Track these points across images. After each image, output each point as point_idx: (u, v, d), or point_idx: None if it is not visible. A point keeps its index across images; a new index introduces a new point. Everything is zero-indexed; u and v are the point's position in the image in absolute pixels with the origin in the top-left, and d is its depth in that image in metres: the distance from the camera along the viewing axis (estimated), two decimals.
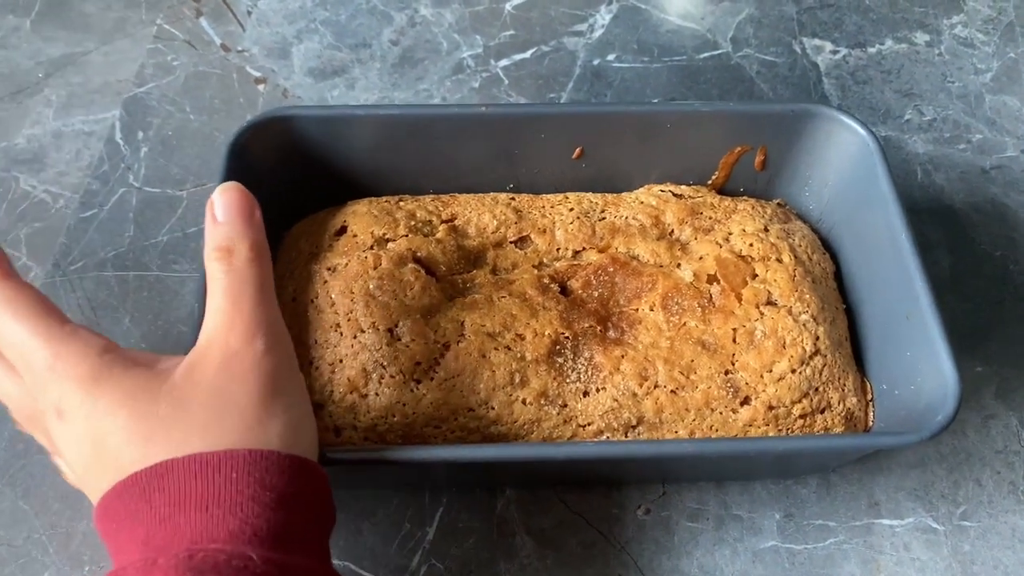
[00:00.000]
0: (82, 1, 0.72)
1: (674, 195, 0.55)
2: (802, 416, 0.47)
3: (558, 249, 0.53)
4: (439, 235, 0.52)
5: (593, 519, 0.49)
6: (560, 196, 0.55)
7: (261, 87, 0.67)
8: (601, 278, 0.50)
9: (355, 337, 0.47)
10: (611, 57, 0.69)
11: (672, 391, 0.47)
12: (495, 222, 0.53)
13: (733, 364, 0.47)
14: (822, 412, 0.48)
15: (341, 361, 0.46)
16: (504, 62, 0.69)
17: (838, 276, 0.54)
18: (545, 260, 0.52)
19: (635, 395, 0.46)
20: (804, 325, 0.48)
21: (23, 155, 0.62)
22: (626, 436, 0.46)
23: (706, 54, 0.70)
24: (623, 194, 0.55)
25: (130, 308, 0.54)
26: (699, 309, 0.49)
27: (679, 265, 0.52)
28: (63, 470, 0.41)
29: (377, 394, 0.46)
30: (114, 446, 0.34)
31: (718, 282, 0.50)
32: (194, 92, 0.66)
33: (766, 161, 0.55)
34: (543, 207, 0.54)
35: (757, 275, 0.50)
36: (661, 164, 0.55)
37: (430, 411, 0.45)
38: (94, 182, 0.61)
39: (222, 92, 0.66)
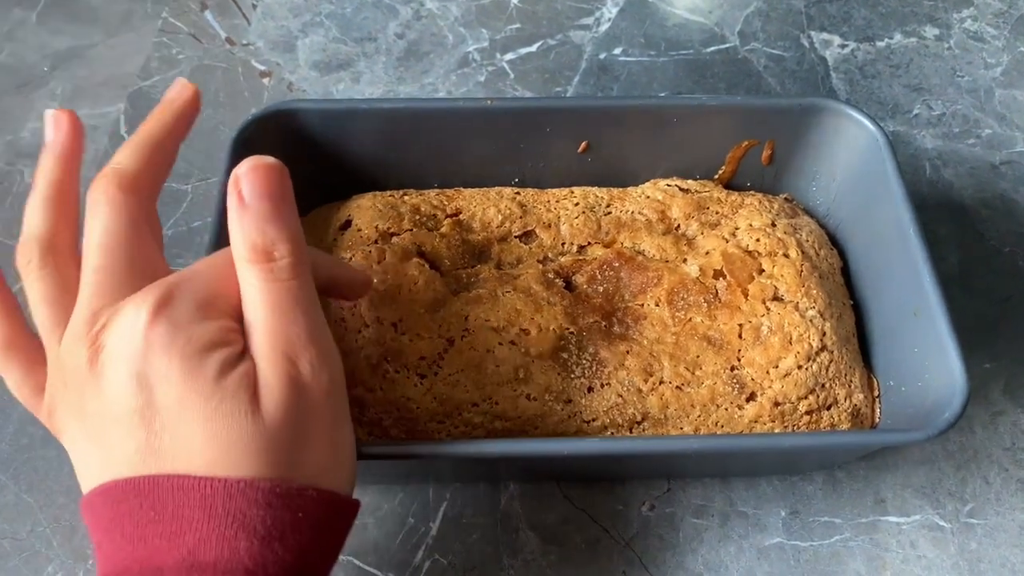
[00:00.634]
0: None
1: (680, 190, 0.54)
2: (808, 412, 0.47)
3: (563, 244, 0.52)
4: (443, 229, 0.51)
5: (597, 515, 0.49)
6: (565, 190, 0.54)
7: (266, 81, 0.67)
8: (606, 273, 0.50)
9: (359, 332, 0.46)
10: (618, 51, 0.69)
11: (677, 387, 0.46)
12: (500, 216, 0.53)
13: (739, 360, 0.47)
14: (828, 408, 0.47)
15: (345, 356, 0.46)
16: (510, 56, 0.69)
17: (845, 272, 0.53)
18: (550, 255, 0.52)
19: (640, 391, 0.46)
20: (811, 321, 0.48)
21: (28, 148, 0.62)
22: (631, 432, 0.46)
23: (713, 48, 0.70)
24: (629, 188, 0.55)
25: None
26: (705, 305, 0.48)
27: (685, 260, 0.51)
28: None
29: (382, 388, 0.45)
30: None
31: (724, 277, 0.50)
32: (199, 86, 0.65)
33: (773, 156, 0.55)
34: (548, 202, 0.54)
35: (764, 270, 0.50)
36: (667, 158, 0.55)
37: (434, 406, 0.45)
38: None
39: (227, 86, 0.66)
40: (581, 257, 0.51)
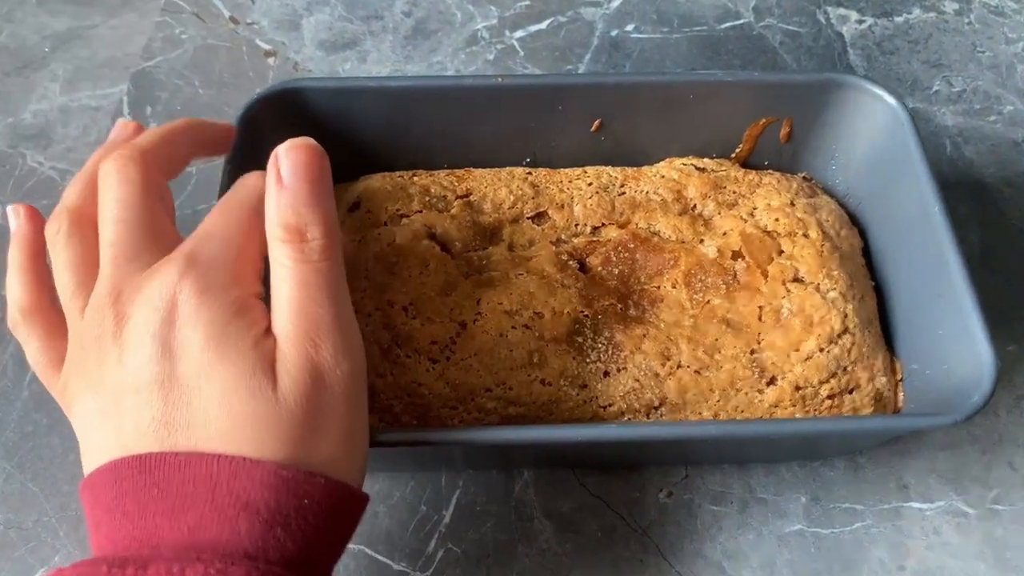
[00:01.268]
0: None
1: (697, 169, 0.53)
2: (830, 397, 0.46)
3: (576, 225, 0.51)
4: (454, 211, 0.50)
5: (613, 502, 0.48)
6: (578, 170, 0.53)
7: (271, 60, 0.65)
8: (621, 255, 0.49)
9: (369, 315, 0.45)
10: (630, 27, 0.68)
11: (696, 371, 0.45)
12: (511, 197, 0.51)
13: (759, 343, 0.46)
14: (850, 392, 0.46)
15: None
16: (519, 33, 0.67)
17: (866, 253, 0.52)
18: (563, 236, 0.51)
19: (657, 375, 0.45)
20: (832, 303, 0.47)
21: (29, 131, 0.61)
22: (648, 417, 0.45)
23: (728, 24, 0.68)
24: (644, 168, 0.53)
25: None
26: (723, 286, 0.47)
27: (702, 241, 0.50)
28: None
29: (392, 374, 0.44)
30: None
31: (743, 258, 0.48)
32: (203, 66, 0.64)
33: (791, 133, 0.53)
34: (561, 182, 0.52)
35: (783, 251, 0.49)
36: (683, 137, 0.53)
37: (447, 392, 0.44)
38: None
39: (231, 66, 0.65)
40: (595, 238, 0.50)
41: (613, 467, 0.49)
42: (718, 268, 0.48)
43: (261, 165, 0.41)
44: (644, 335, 0.46)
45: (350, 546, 0.45)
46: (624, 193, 0.52)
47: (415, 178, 0.52)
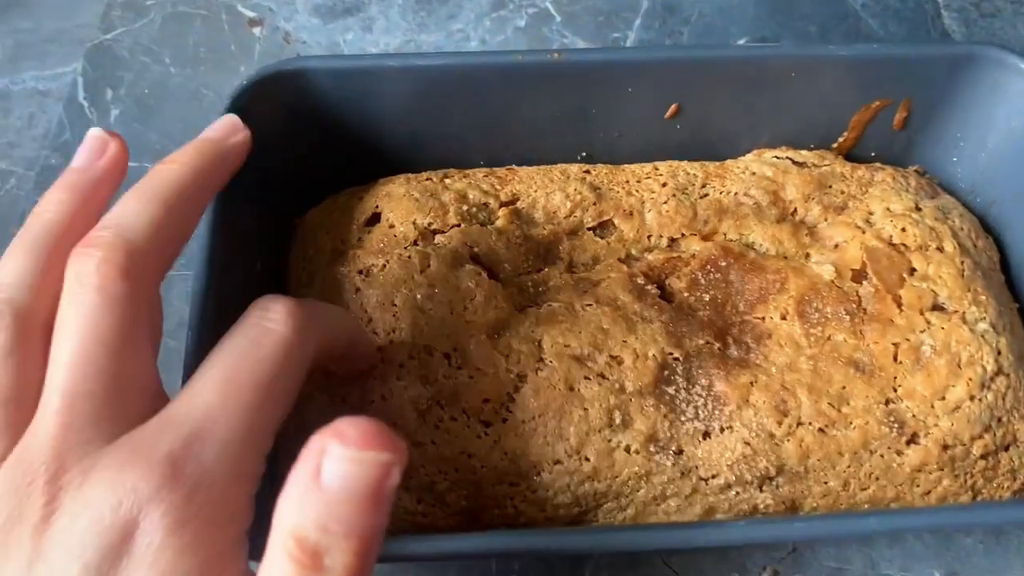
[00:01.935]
0: None
1: (794, 163, 0.43)
2: (983, 456, 0.36)
3: (650, 237, 0.41)
4: (499, 223, 0.40)
5: None
6: (648, 167, 0.43)
7: (257, 31, 0.54)
8: (712, 275, 0.39)
9: (401, 366, 0.35)
10: None
11: (820, 429, 0.35)
12: (568, 203, 0.41)
13: (895, 391, 0.36)
14: (1007, 449, 0.37)
15: (384, 399, 0.35)
16: None
17: (1003, 267, 0.42)
18: (633, 252, 0.41)
19: (772, 436, 0.35)
20: (982, 336, 0.37)
21: None
22: (761, 490, 0.35)
23: None
24: (728, 162, 0.43)
25: None
26: (847, 317, 0.37)
27: (807, 256, 0.40)
28: None
29: (434, 442, 0.34)
30: None
31: (867, 279, 0.38)
32: (174, 39, 0.53)
33: (908, 118, 0.43)
34: (627, 182, 0.42)
35: (915, 270, 0.39)
36: (774, 123, 0.43)
37: (504, 464, 0.34)
38: (52, 155, 0.49)
39: (209, 38, 0.54)
40: (675, 254, 0.40)
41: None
42: (837, 293, 0.38)
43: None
44: (752, 383, 0.36)
45: None
46: (707, 195, 0.42)
47: (447, 181, 0.41)
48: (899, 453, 0.36)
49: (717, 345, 0.37)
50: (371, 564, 0.23)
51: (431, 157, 0.43)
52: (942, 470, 0.36)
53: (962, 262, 0.39)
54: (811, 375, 0.36)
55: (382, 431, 0.23)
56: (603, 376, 0.35)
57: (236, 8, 0.55)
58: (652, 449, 0.35)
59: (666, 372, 0.36)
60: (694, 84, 0.41)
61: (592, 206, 0.41)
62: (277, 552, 0.23)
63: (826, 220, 0.41)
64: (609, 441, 0.35)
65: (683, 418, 0.35)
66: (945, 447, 0.36)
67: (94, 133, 0.30)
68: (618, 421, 0.35)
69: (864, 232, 0.40)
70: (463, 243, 0.38)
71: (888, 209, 0.41)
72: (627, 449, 0.35)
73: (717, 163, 0.43)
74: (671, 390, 0.36)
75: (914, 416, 0.36)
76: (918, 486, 0.36)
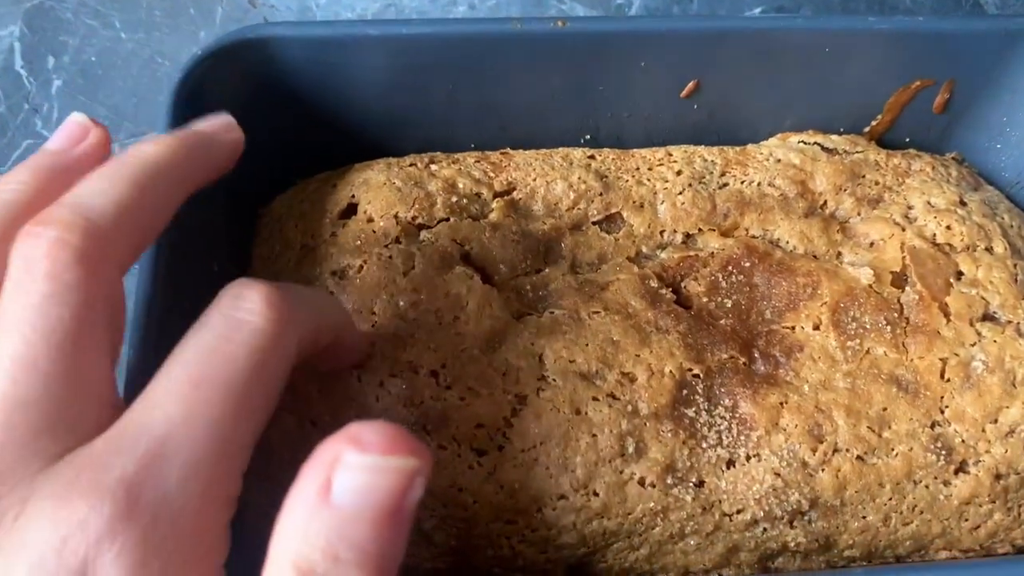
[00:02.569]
0: None
1: (823, 149, 0.38)
2: None
3: (663, 232, 0.36)
4: (493, 216, 0.35)
5: None
6: (660, 152, 0.38)
7: None
8: (734, 278, 0.34)
9: (381, 385, 0.30)
10: None
11: (859, 456, 0.31)
12: (572, 194, 0.36)
13: (942, 412, 0.32)
14: None
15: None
16: None
17: None
18: (645, 249, 0.36)
19: (806, 465, 0.31)
20: None
21: None
22: (792, 526, 0.31)
23: None
24: (749, 148, 0.39)
25: None
26: (888, 328, 0.33)
27: (839, 255, 0.36)
28: None
29: None
30: None
31: (910, 284, 0.34)
32: (126, 0, 0.47)
33: (950, 101, 0.39)
34: (637, 169, 0.37)
35: (963, 274, 0.35)
36: (801, 103, 0.39)
37: (500, 499, 0.30)
38: None
39: (165, 0, 0.48)
40: (691, 252, 0.35)
41: None
42: (877, 300, 0.34)
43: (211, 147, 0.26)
44: (782, 403, 0.32)
45: None
46: (727, 185, 0.37)
47: (434, 167, 0.36)
48: (946, 484, 0.32)
49: (742, 359, 0.32)
50: None
51: (415, 139, 0.38)
52: (994, 503, 0.32)
53: (1015, 264, 0.35)
54: (848, 394, 0.32)
55: (405, 433, 0.20)
56: (613, 396, 0.31)
57: None
58: (669, 481, 0.30)
59: (685, 391, 0.31)
60: (715, 59, 0.36)
61: (598, 197, 0.36)
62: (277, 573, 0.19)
63: (859, 215, 0.37)
64: (621, 472, 0.30)
65: (704, 445, 0.31)
66: (998, 476, 0.32)
67: (76, 118, 0.27)
68: (631, 449, 0.30)
69: (904, 229, 0.36)
70: (452, 240, 0.33)
71: (929, 203, 0.37)
72: (641, 482, 0.30)
73: (737, 148, 0.38)
74: (691, 412, 0.31)
75: (963, 441, 0.32)
76: (966, 520, 0.32)
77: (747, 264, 0.35)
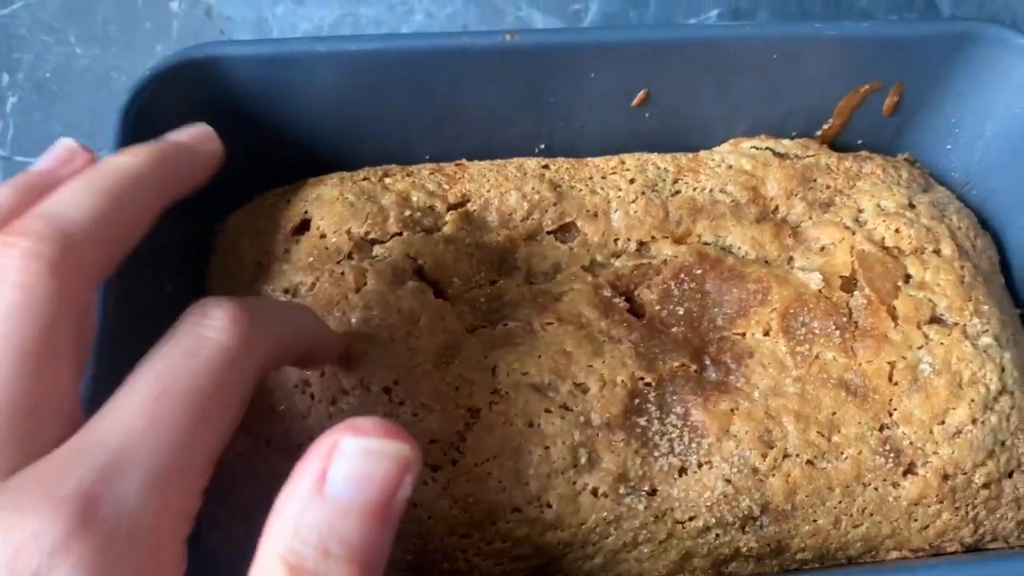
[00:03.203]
0: None
1: (775, 154, 0.39)
2: (986, 485, 0.33)
3: (617, 241, 0.37)
4: (447, 229, 0.35)
5: None
6: (614, 160, 0.38)
7: (175, 5, 0.48)
8: (686, 286, 0.35)
9: (333, 403, 0.31)
10: None
11: (808, 461, 0.32)
12: (526, 204, 0.36)
13: (891, 415, 0.33)
14: (1010, 476, 0.33)
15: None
16: None
17: (1002, 267, 0.39)
18: (599, 258, 0.36)
19: (756, 471, 0.31)
20: (986, 352, 0.34)
21: None
22: (744, 531, 0.32)
23: None
24: (702, 154, 0.39)
25: None
26: (836, 333, 0.33)
27: (791, 260, 0.36)
28: None
29: None
30: None
31: (858, 288, 0.34)
32: (80, 15, 0.47)
33: (899, 103, 0.39)
34: (591, 178, 0.38)
35: (911, 276, 0.35)
36: (752, 109, 0.39)
37: (455, 513, 0.30)
38: None
39: (120, 14, 0.48)
40: (645, 260, 0.36)
41: None
42: (826, 305, 0.34)
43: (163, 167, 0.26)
44: (733, 410, 0.32)
45: None
46: (679, 192, 0.37)
47: (387, 180, 0.36)
48: (895, 485, 0.32)
49: (693, 367, 0.33)
50: None
51: (370, 151, 0.38)
52: (941, 503, 0.32)
53: (962, 267, 0.35)
54: (798, 400, 0.32)
55: (401, 427, 0.21)
56: (566, 408, 0.31)
57: None
58: (622, 491, 0.31)
59: (637, 400, 0.32)
60: (665, 68, 0.36)
61: (552, 207, 0.36)
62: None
63: (811, 219, 0.37)
64: (574, 483, 0.31)
65: (656, 453, 0.31)
66: (945, 477, 0.32)
67: (64, 142, 0.27)
68: (583, 460, 0.31)
69: (854, 233, 0.36)
70: (405, 255, 0.34)
71: (879, 206, 0.37)
72: (594, 492, 0.31)
73: (690, 155, 0.39)
74: (643, 421, 0.32)
75: (911, 443, 0.32)
76: (915, 521, 0.33)
77: (699, 271, 0.35)
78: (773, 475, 0.31)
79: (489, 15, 0.49)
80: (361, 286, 0.32)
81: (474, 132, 0.38)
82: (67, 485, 0.19)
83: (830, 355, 0.33)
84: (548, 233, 0.37)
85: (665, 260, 0.35)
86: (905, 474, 0.32)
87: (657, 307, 0.34)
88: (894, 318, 0.34)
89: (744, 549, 0.32)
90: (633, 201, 0.37)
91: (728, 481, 0.31)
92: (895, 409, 0.33)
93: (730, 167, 0.38)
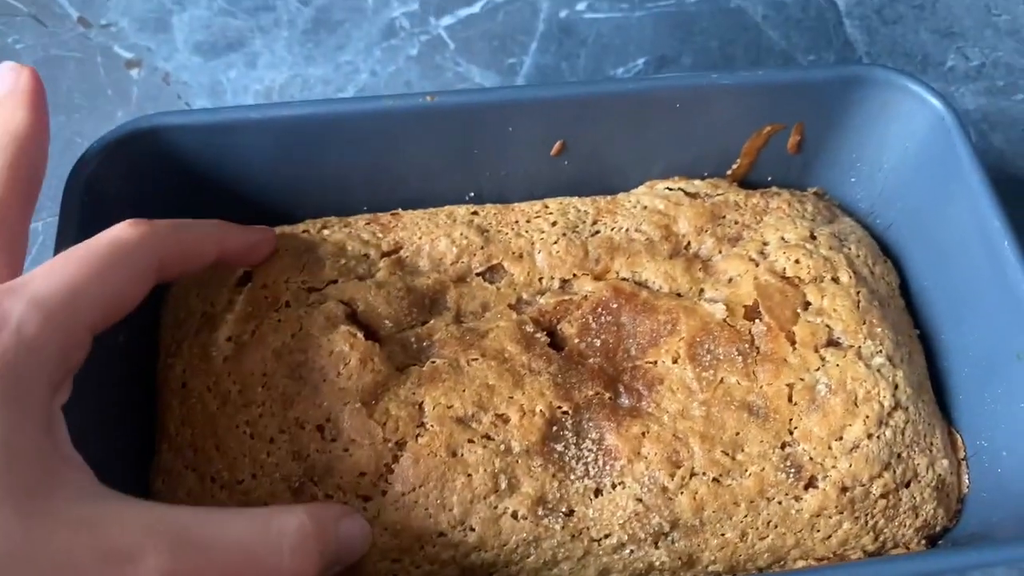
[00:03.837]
0: None
1: (686, 194, 0.42)
2: (884, 496, 0.35)
3: (541, 279, 0.39)
4: (380, 275, 0.38)
5: None
6: (537, 205, 0.41)
7: (135, 72, 0.52)
8: (603, 319, 0.37)
9: (272, 442, 0.33)
10: (582, 6, 0.55)
11: (714, 479, 0.34)
12: (455, 249, 0.39)
13: (791, 433, 0.35)
14: (907, 486, 0.36)
15: (254, 477, 0.33)
16: (447, 20, 0.54)
17: (903, 291, 0.42)
18: (525, 296, 0.39)
19: (665, 490, 0.34)
20: (879, 371, 0.36)
21: None
22: (656, 547, 0.34)
23: None
24: (619, 197, 0.42)
25: None
26: (739, 358, 0.36)
27: (701, 292, 0.39)
28: None
29: None
30: None
31: (760, 317, 0.37)
32: (46, 84, 0.50)
33: (802, 142, 0.42)
34: (516, 222, 0.41)
35: (810, 303, 0.38)
36: (666, 153, 0.42)
37: (385, 540, 0.33)
38: None
39: (83, 82, 0.51)
40: (566, 296, 0.38)
41: None
42: (730, 333, 0.37)
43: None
44: (643, 434, 0.35)
45: None
46: (598, 232, 0.40)
47: (326, 232, 0.39)
48: (797, 499, 0.35)
49: (608, 395, 0.35)
50: None
51: (310, 205, 0.41)
52: (842, 513, 0.35)
53: (858, 292, 0.38)
54: (704, 422, 0.35)
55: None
56: (488, 437, 0.34)
57: (112, 49, 0.52)
58: (540, 512, 0.33)
59: (555, 428, 0.34)
60: (577, 120, 0.39)
61: (480, 250, 0.39)
62: None
63: (720, 253, 0.40)
64: (495, 508, 0.33)
65: (572, 476, 0.34)
66: (844, 489, 0.35)
67: (6, 64, 0.31)
68: (504, 485, 0.33)
69: (758, 265, 0.39)
70: (339, 301, 0.36)
71: (783, 239, 0.40)
72: (514, 515, 0.33)
73: (608, 198, 0.42)
74: (560, 447, 0.34)
75: (811, 459, 0.35)
76: (818, 531, 0.35)
77: (615, 305, 0.38)
78: (681, 493, 0.34)
79: (430, 72, 0.52)
80: (296, 332, 0.35)
81: (408, 184, 0.41)
82: None
83: (733, 379, 0.36)
84: (477, 275, 0.39)
85: (585, 296, 0.38)
86: (806, 488, 0.35)
87: (576, 340, 0.37)
88: (792, 343, 0.37)
89: (657, 564, 0.34)
90: (555, 242, 0.40)
91: (639, 500, 0.34)
92: (795, 428, 0.35)
93: (645, 207, 0.41)
